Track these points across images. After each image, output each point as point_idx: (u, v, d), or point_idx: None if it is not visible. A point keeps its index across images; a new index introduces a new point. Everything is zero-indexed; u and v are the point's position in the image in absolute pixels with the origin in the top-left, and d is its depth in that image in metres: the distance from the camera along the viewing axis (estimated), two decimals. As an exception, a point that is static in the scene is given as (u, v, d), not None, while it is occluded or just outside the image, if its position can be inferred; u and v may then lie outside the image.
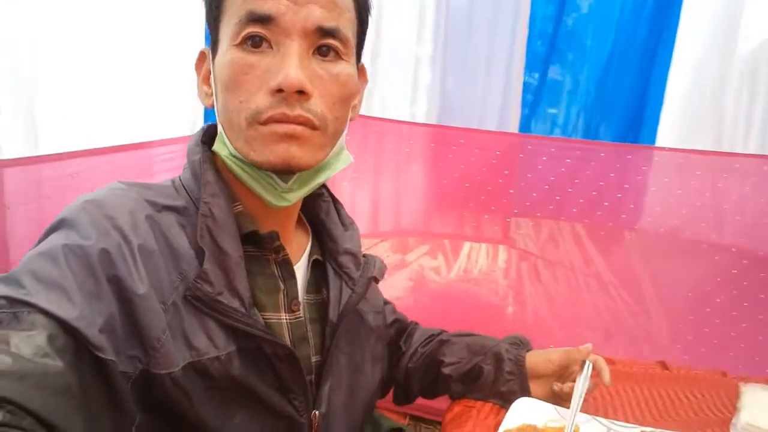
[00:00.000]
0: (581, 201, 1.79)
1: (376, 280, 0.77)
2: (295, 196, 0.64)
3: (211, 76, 0.64)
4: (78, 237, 0.51)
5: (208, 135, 0.67)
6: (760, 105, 1.63)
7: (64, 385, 0.45)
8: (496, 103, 1.89)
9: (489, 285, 2.00)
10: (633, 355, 1.78)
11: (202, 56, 0.67)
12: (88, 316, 0.48)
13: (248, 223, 0.63)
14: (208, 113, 1.42)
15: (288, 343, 0.64)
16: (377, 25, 1.85)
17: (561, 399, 0.83)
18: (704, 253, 1.73)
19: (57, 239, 0.52)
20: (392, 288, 1.97)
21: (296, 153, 0.58)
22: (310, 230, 0.76)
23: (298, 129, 0.58)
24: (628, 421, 0.82)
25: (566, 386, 0.82)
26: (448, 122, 2.04)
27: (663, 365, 1.04)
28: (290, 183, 0.63)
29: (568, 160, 1.79)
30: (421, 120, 2.05)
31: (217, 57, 0.61)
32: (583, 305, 1.86)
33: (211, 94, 0.64)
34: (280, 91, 0.56)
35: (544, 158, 1.82)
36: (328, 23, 0.59)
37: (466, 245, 2.01)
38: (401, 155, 1.95)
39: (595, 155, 1.78)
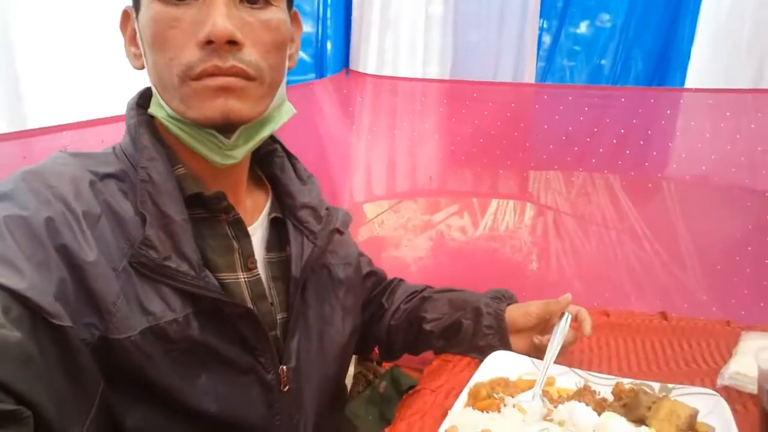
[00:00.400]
0: (601, 150, 1.72)
1: (339, 232, 0.76)
2: (241, 153, 0.63)
3: (137, 35, 0.62)
4: (17, 208, 0.51)
5: (145, 97, 0.66)
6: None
7: (25, 354, 0.45)
8: (510, 57, 1.81)
9: (512, 242, 1.97)
10: (666, 304, 1.73)
11: (125, 16, 0.65)
12: (39, 284, 0.48)
13: (192, 185, 0.63)
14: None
15: (247, 301, 0.65)
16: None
17: (541, 352, 0.81)
18: (736, 199, 1.64)
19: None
20: (415, 249, 1.98)
21: (235, 106, 0.57)
22: (269, 188, 0.75)
23: (232, 81, 0.56)
24: (612, 373, 0.80)
25: (545, 338, 0.81)
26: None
27: (663, 316, 1.00)
28: (234, 139, 0.62)
29: (587, 108, 1.71)
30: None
31: (140, 14, 0.59)
32: (606, 258, 1.80)
33: (140, 55, 0.62)
34: (209, 42, 0.55)
35: (561, 108, 1.74)
36: None
37: (493, 203, 1.98)
38: (415, 113, 1.91)
39: (615, 101, 1.69)
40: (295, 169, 0.76)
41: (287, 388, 0.67)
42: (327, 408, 0.75)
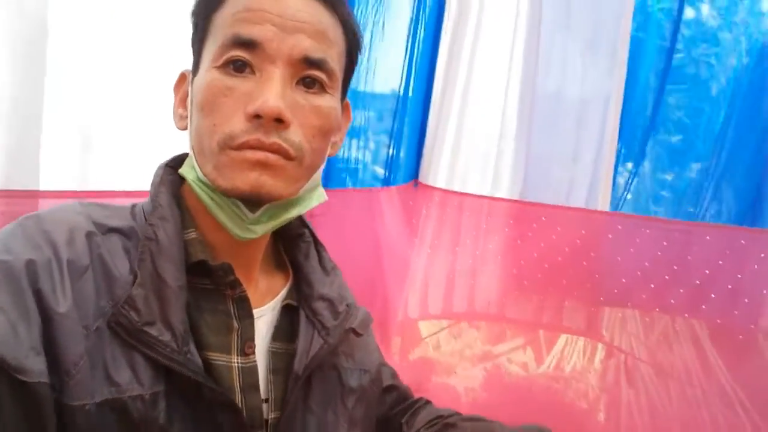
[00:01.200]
0: (681, 291, 1.55)
1: (356, 333, 0.68)
2: (262, 229, 0.60)
3: (189, 97, 0.61)
4: (4, 252, 0.50)
5: (177, 160, 0.65)
6: None
7: None
8: (583, 188, 1.76)
9: (577, 385, 1.77)
10: None
11: (182, 78, 0.65)
12: (10, 337, 0.45)
13: (199, 252, 0.59)
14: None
15: (236, 389, 0.58)
16: (463, 99, 1.85)
17: None
18: None
19: None
20: (469, 379, 1.83)
21: (267, 182, 0.55)
22: (291, 274, 0.71)
23: (271, 157, 0.55)
24: None
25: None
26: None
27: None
28: (258, 214, 0.59)
29: (665, 243, 1.58)
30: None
31: (196, 78, 0.59)
32: (687, 419, 1.56)
33: (186, 117, 0.62)
34: (257, 116, 0.54)
35: (637, 241, 1.63)
36: (316, 54, 0.57)
37: (561, 340, 1.82)
38: (479, 232, 1.87)
39: (700, 239, 1.55)
40: (320, 258, 0.71)
41: None
42: None
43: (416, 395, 0.88)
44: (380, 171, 1.78)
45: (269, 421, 0.60)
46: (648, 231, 1.61)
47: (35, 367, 0.46)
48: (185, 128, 0.62)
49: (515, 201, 1.82)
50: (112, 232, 0.56)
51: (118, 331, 0.51)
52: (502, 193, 1.85)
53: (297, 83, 0.56)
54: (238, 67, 0.55)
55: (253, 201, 0.57)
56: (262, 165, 0.54)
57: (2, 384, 0.44)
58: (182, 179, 0.62)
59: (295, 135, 0.55)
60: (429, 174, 1.88)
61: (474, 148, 1.89)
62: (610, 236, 1.67)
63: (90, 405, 0.48)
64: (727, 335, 1.55)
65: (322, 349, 0.62)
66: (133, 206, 0.63)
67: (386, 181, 1.77)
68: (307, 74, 0.56)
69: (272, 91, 0.53)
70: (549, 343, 1.82)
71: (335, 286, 0.68)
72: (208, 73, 0.57)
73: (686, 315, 1.54)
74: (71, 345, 0.48)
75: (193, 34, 0.63)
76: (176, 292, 0.54)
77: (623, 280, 1.63)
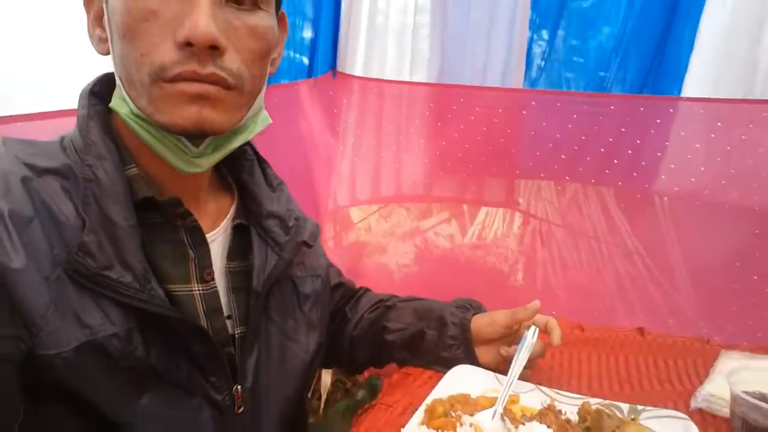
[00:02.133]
0: (589, 159, 1.68)
1: (307, 245, 0.71)
2: (208, 162, 0.59)
3: (105, 16, 0.55)
4: None
5: (103, 85, 0.60)
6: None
7: None
8: (498, 64, 1.77)
9: (498, 251, 1.93)
10: (655, 322, 1.69)
11: None
12: None
13: (144, 188, 0.57)
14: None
15: (200, 315, 0.60)
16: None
17: (509, 365, 0.77)
18: (725, 213, 1.60)
19: None
20: (400, 255, 1.94)
21: (209, 116, 0.52)
22: (236, 192, 0.70)
23: (210, 89, 0.52)
24: (581, 392, 0.76)
25: (513, 349, 0.76)
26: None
27: (640, 332, 0.96)
28: (202, 147, 0.57)
29: (575, 116, 1.67)
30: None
31: None
32: (594, 271, 1.76)
33: (106, 40, 0.57)
34: (189, 44, 0.50)
35: (549, 115, 1.71)
36: None
37: (482, 212, 1.94)
38: (401, 117, 1.88)
39: (605, 109, 1.65)
40: (265, 175, 0.71)
41: (242, 409, 0.62)
42: (288, 429, 0.70)
43: (352, 277, 0.95)
44: (305, 60, 1.72)
45: (235, 337, 0.64)
46: (558, 104, 1.69)
47: None
48: (107, 53, 0.57)
49: (434, 84, 1.82)
50: (46, 174, 0.53)
51: (77, 278, 0.51)
52: (421, 76, 1.84)
53: (227, 0, 0.52)
54: None
55: (196, 136, 0.55)
56: (202, 98, 0.52)
57: None
58: (111, 108, 0.59)
59: (232, 62, 0.52)
60: (346, 62, 1.84)
61: (389, 29, 1.84)
62: (524, 112, 1.73)
63: (67, 351, 0.49)
64: (628, 196, 1.72)
65: (278, 265, 0.65)
66: (62, 139, 0.59)
67: (310, 71, 1.71)
68: None
69: (201, 13, 0.49)
70: (471, 216, 1.94)
71: (282, 202, 0.70)
72: None
73: (593, 181, 1.68)
74: (34, 297, 0.48)
75: None
76: (129, 232, 0.54)
77: (537, 153, 1.73)
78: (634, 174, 1.66)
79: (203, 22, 0.49)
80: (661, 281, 1.69)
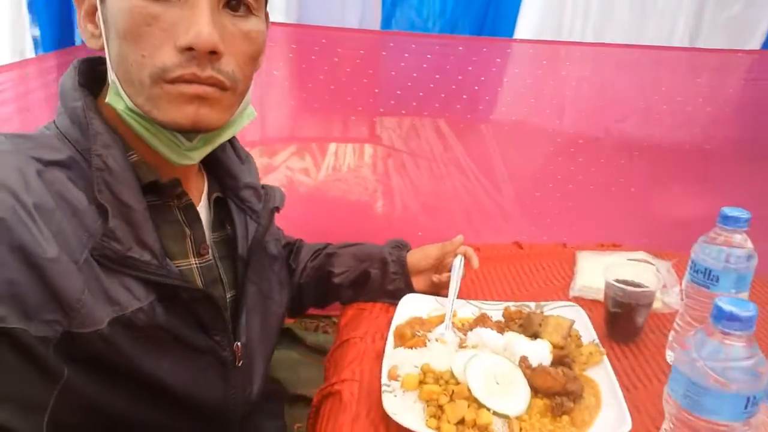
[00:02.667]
0: (442, 95, 1.88)
1: (278, 210, 0.78)
2: (199, 155, 0.63)
3: (98, 14, 0.57)
4: None
5: (85, 77, 0.61)
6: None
7: None
8: (356, 5, 1.83)
9: (358, 182, 2.08)
10: (490, 229, 2.03)
11: None
12: None
13: (147, 173, 0.61)
14: (44, 40, 1.23)
15: (201, 286, 0.65)
16: None
17: (439, 288, 0.94)
18: (548, 136, 1.95)
19: None
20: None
21: (205, 114, 0.56)
22: (202, 167, 0.73)
23: (208, 90, 0.55)
24: (491, 299, 0.97)
25: (444, 276, 0.93)
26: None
27: (518, 245, 1.21)
28: (195, 141, 0.61)
29: (429, 56, 1.84)
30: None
31: None
32: (445, 192, 2.01)
33: (99, 36, 0.58)
34: (190, 49, 0.52)
35: (407, 55, 1.84)
36: None
37: (332, 145, 2.04)
38: (265, 60, 1.86)
39: (453, 50, 1.84)
40: (235, 149, 0.75)
41: (241, 363, 0.69)
42: (267, 374, 0.79)
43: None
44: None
45: (228, 300, 0.70)
46: (414, 46, 1.83)
47: (8, 313, 0.48)
48: (99, 48, 0.59)
49: (295, 25, 1.82)
50: (52, 165, 0.55)
51: (104, 261, 0.55)
52: (280, 17, 1.82)
53: (223, 6, 0.56)
54: None
55: (191, 132, 0.59)
56: (200, 98, 0.56)
57: None
58: (95, 99, 0.60)
59: (228, 65, 0.56)
60: None
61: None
62: (384, 53, 1.85)
63: (102, 328, 0.54)
64: (470, 125, 1.97)
65: (258, 232, 0.72)
66: (49, 130, 0.60)
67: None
68: None
69: (203, 21, 0.53)
70: (322, 150, 2.03)
71: (253, 173, 0.75)
72: None
73: (447, 114, 1.89)
74: (69, 283, 0.51)
75: None
76: (143, 214, 0.58)
77: (398, 92, 1.88)
78: (480, 107, 1.92)
79: (206, 30, 0.52)
80: (495, 195, 2.02)
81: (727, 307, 0.52)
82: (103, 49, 0.58)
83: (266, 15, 0.65)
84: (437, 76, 1.85)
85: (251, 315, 0.73)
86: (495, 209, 2.05)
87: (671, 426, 0.56)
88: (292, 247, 0.99)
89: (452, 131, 1.96)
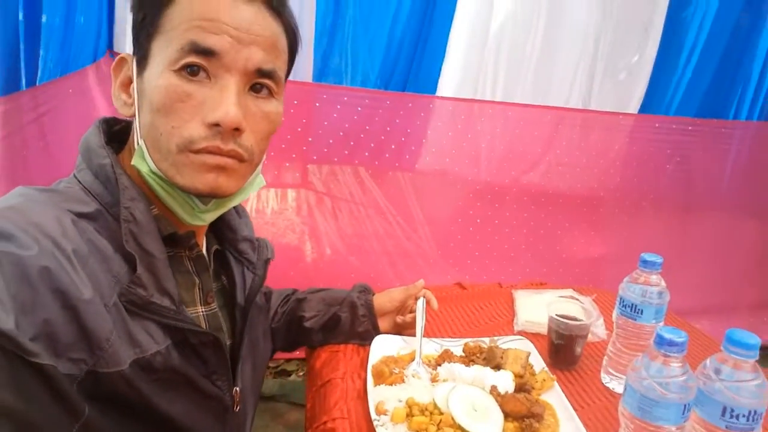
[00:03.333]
0: (372, 145, 2.01)
1: (269, 261, 0.83)
2: (210, 217, 0.68)
3: (133, 86, 0.62)
4: (13, 246, 0.49)
5: (109, 136, 0.65)
6: (503, 65, 2.00)
7: None
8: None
9: (285, 224, 2.12)
10: (409, 267, 2.15)
11: (121, 62, 0.64)
12: (21, 324, 0.47)
13: (167, 226, 0.64)
14: (29, 74, 1.17)
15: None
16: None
17: (402, 328, 1.03)
18: (465, 184, 2.13)
19: None
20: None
21: (223, 183, 0.61)
22: None
23: (228, 161, 0.61)
24: (449, 336, 1.07)
25: (408, 317, 1.02)
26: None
27: (460, 286, 1.33)
28: (208, 205, 0.66)
29: (360, 108, 1.96)
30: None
31: (148, 74, 0.60)
32: (368, 234, 2.12)
33: (132, 105, 0.62)
34: (216, 125, 0.58)
35: (338, 107, 1.96)
36: (267, 65, 0.61)
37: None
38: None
39: (382, 103, 1.98)
40: None
41: (238, 408, 0.73)
42: (252, 423, 0.82)
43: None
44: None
45: (226, 348, 0.74)
46: (346, 98, 1.95)
47: (42, 351, 0.50)
48: (131, 116, 0.63)
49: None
50: (81, 218, 0.59)
51: (129, 306, 0.58)
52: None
53: (248, 89, 0.63)
54: (193, 71, 0.60)
55: (207, 197, 0.65)
56: (220, 168, 0.62)
57: (21, 371, 0.48)
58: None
59: (248, 140, 0.63)
60: (125, 41, 1.73)
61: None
62: (317, 104, 1.95)
63: (124, 369, 0.57)
64: (391, 173, 2.10)
65: (254, 282, 0.77)
66: (74, 186, 0.63)
67: (95, 55, 1.57)
68: (258, 82, 0.63)
69: (231, 101, 0.60)
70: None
71: (249, 227, 0.80)
72: (164, 75, 0.60)
73: (377, 162, 2.01)
74: (101, 324, 0.54)
75: (137, 24, 0.62)
76: (164, 263, 0.63)
77: (330, 141, 1.98)
78: (407, 156, 2.06)
79: (233, 110, 0.59)
80: (412, 236, 2.16)
81: (667, 335, 0.66)
82: (133, 116, 0.63)
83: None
84: (367, 127, 1.98)
85: (245, 362, 0.76)
86: (414, 250, 2.18)
87: (628, 435, 0.68)
88: (265, 295, 1.03)
89: (372, 178, 2.08)
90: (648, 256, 0.90)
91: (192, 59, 0.58)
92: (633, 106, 2.11)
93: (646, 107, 2.12)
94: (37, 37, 1.30)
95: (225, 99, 0.59)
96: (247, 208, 2.06)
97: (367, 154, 2.01)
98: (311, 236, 2.12)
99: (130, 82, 0.63)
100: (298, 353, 2.05)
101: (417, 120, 2.03)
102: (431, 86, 1.99)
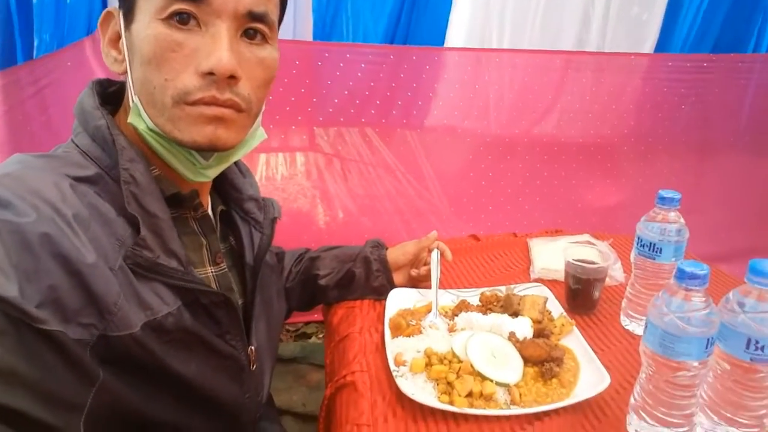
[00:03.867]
0: (378, 102, 1.97)
1: (276, 220, 0.81)
2: (213, 173, 0.66)
3: (122, 41, 0.60)
4: (11, 214, 0.48)
5: (104, 97, 0.63)
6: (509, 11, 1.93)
7: (6, 368, 0.45)
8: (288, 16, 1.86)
9: (296, 189, 2.11)
10: (422, 225, 2.14)
11: (108, 16, 0.62)
12: (26, 291, 0.47)
13: (169, 186, 0.63)
14: (25, 48, 1.15)
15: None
16: None
17: (417, 281, 1.02)
18: (475, 138, 2.09)
19: None
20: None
21: (222, 134, 0.59)
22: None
23: (226, 112, 0.59)
24: (467, 287, 1.07)
25: (422, 270, 1.01)
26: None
27: (475, 237, 1.32)
28: (210, 160, 0.64)
29: (363, 65, 1.92)
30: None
31: (135, 26, 0.57)
32: (379, 195, 2.10)
33: (123, 61, 0.60)
34: (210, 73, 0.56)
35: (341, 65, 1.91)
36: (258, 8, 0.58)
37: (262, 155, 2.06)
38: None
39: (386, 58, 1.93)
40: (236, 164, 0.78)
41: (254, 366, 0.73)
42: (271, 380, 0.83)
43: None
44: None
45: (240, 308, 0.73)
46: (348, 55, 1.90)
47: (49, 317, 0.49)
48: (123, 72, 0.61)
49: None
50: (80, 181, 0.58)
51: (136, 268, 0.58)
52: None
53: (240, 35, 0.60)
54: (183, 19, 0.57)
55: (208, 151, 0.63)
56: (218, 119, 0.60)
57: (29, 337, 0.48)
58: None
59: (245, 88, 0.61)
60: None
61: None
62: (319, 63, 1.90)
63: (135, 331, 0.56)
64: (399, 129, 2.07)
65: (262, 241, 0.76)
66: (71, 149, 0.61)
67: (89, 27, 1.54)
68: (250, 26, 0.60)
69: (224, 48, 0.57)
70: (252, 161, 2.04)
71: (254, 186, 0.79)
72: (152, 25, 0.57)
73: (383, 120, 1.98)
74: (107, 288, 0.54)
75: None
76: (169, 223, 0.62)
77: (335, 101, 1.94)
78: (414, 112, 2.02)
79: (226, 56, 0.56)
80: (423, 193, 2.14)
81: (688, 268, 0.64)
82: (125, 73, 0.61)
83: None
84: (372, 84, 1.93)
85: (259, 321, 0.76)
86: (426, 207, 2.16)
87: (650, 372, 0.67)
88: (277, 255, 1.02)
89: (379, 137, 2.05)
90: (666, 193, 0.87)
91: (180, 6, 0.56)
92: (648, 45, 2.03)
93: (661, 45, 2.04)
94: (30, 12, 1.27)
95: (217, 46, 0.56)
96: (256, 175, 2.09)
97: (373, 111, 1.97)
98: (322, 200, 2.11)
99: (119, 37, 0.61)
100: (317, 316, 2.07)
101: (422, 74, 1.97)
102: (439, 39, 1.93)
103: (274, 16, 0.62)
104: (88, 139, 0.60)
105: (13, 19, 1.25)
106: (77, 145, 0.61)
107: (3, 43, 1.15)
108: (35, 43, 1.29)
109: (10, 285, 0.46)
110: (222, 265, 0.70)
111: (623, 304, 0.95)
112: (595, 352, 0.82)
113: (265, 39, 0.62)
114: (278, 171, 2.12)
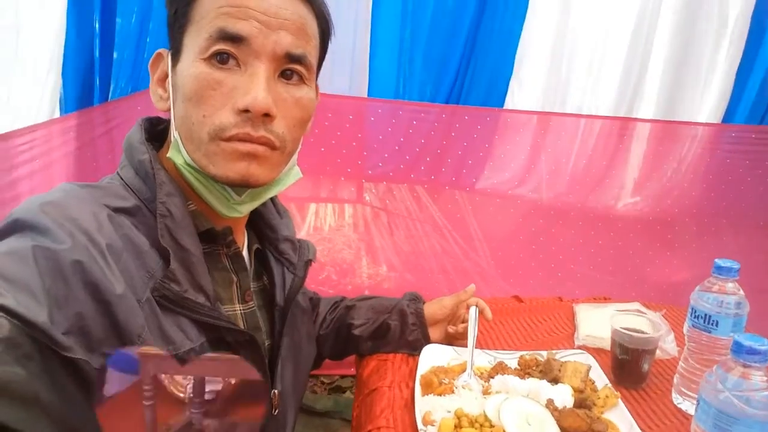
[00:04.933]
0: (428, 159, 1.99)
1: (311, 263, 0.81)
2: (246, 209, 0.67)
3: (168, 80, 0.63)
4: (48, 241, 0.49)
5: (150, 134, 0.66)
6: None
7: (28, 393, 0.44)
8: (345, 69, 1.94)
9: (342, 240, 2.12)
10: (466, 285, 2.09)
11: (158, 57, 0.65)
12: (55, 318, 0.47)
13: (203, 221, 0.64)
14: (66, 101, 1.26)
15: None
16: None
17: (453, 339, 0.98)
18: (526, 202, 2.06)
19: (23, 241, 0.49)
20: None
21: (255, 171, 0.61)
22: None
23: (259, 149, 0.60)
24: (505, 349, 1.02)
25: (459, 327, 0.98)
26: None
27: (518, 299, 1.27)
28: (243, 196, 0.65)
29: (415, 122, 1.96)
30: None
31: (180, 66, 0.60)
32: (425, 251, 2.08)
33: (167, 99, 0.63)
34: (246, 111, 0.58)
35: (393, 121, 1.96)
36: (297, 50, 0.61)
37: (312, 205, 2.09)
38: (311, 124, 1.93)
39: (437, 117, 1.96)
40: (274, 203, 0.79)
41: (276, 411, 0.71)
42: (295, 426, 0.80)
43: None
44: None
45: (266, 349, 0.72)
46: (401, 113, 1.95)
47: (75, 345, 0.49)
48: (166, 110, 0.63)
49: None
50: (119, 212, 0.59)
51: (163, 301, 0.58)
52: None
53: (278, 76, 0.62)
54: (223, 59, 0.59)
55: (240, 187, 0.64)
56: (251, 156, 0.61)
57: (54, 363, 0.47)
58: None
59: (279, 127, 0.62)
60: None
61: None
62: (372, 119, 1.96)
63: None
64: (448, 187, 2.07)
65: (294, 283, 0.75)
66: (115, 182, 0.62)
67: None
68: (288, 68, 0.62)
69: (260, 87, 0.59)
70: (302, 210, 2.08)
71: (291, 228, 0.79)
72: (194, 64, 0.60)
73: (432, 177, 1.99)
74: (133, 319, 0.54)
75: (170, 18, 0.63)
76: (200, 259, 0.62)
77: (385, 155, 1.98)
78: (464, 171, 2.03)
79: (262, 94, 0.58)
80: (469, 253, 2.10)
81: (747, 342, 0.59)
82: (169, 110, 0.63)
83: (316, 87, 0.71)
84: (423, 141, 1.96)
85: (285, 364, 0.74)
86: (472, 267, 2.12)
87: (703, 455, 0.61)
88: (313, 301, 1.02)
89: (428, 194, 2.05)
90: (723, 262, 0.82)
91: (221, 46, 0.58)
92: (714, 114, 1.98)
93: (726, 116, 1.98)
94: (110, 60, 1.39)
95: (254, 85, 0.58)
96: (305, 224, 2.12)
97: (422, 168, 1.99)
98: (368, 252, 2.11)
99: (166, 76, 0.64)
100: (353, 370, 2.03)
101: (474, 133, 1.99)
102: (498, 101, 1.95)
103: (312, 58, 0.64)
104: (131, 172, 0.63)
105: (95, 66, 1.36)
106: (121, 177, 0.63)
107: (83, 86, 1.25)
108: (111, 87, 1.40)
109: (41, 310, 0.46)
110: (251, 303, 0.70)
111: (675, 380, 0.87)
112: (642, 429, 0.76)
113: (302, 80, 0.63)
114: (326, 221, 2.16)
